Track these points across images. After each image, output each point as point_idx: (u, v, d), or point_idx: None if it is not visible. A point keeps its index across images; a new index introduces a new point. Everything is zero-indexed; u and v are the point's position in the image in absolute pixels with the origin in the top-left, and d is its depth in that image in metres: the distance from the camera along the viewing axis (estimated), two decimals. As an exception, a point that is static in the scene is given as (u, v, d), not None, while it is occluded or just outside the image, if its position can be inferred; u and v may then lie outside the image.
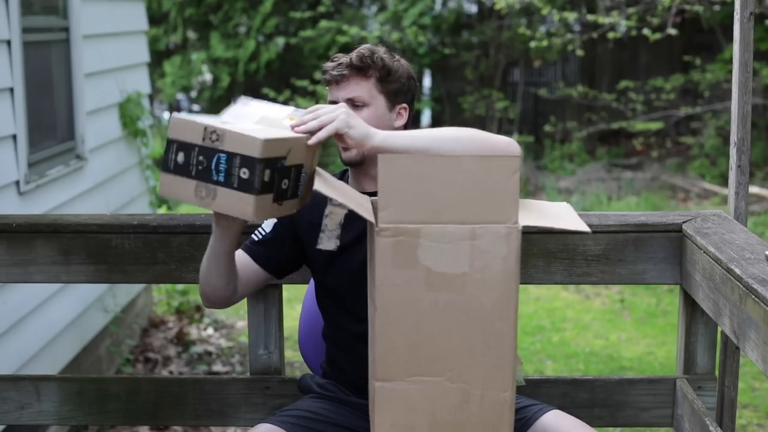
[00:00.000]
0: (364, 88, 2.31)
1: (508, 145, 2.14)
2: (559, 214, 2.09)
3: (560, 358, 5.74)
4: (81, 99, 5.18)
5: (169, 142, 1.99)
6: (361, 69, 2.30)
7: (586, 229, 1.99)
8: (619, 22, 9.11)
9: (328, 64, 2.34)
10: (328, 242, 2.17)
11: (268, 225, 2.40)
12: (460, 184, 1.92)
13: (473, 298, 1.94)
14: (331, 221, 2.21)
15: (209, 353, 5.81)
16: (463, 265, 1.93)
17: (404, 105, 2.37)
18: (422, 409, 1.97)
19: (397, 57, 2.38)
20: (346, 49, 12.13)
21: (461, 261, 1.93)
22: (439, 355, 1.96)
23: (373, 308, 1.97)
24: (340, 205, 2.04)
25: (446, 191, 1.92)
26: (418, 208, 1.92)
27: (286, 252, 2.38)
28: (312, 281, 2.65)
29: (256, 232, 2.41)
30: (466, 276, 1.93)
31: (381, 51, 2.34)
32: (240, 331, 6.24)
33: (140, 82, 6.34)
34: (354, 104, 2.31)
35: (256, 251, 2.38)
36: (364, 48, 2.33)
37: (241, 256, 2.37)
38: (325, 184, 2.05)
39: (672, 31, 8.64)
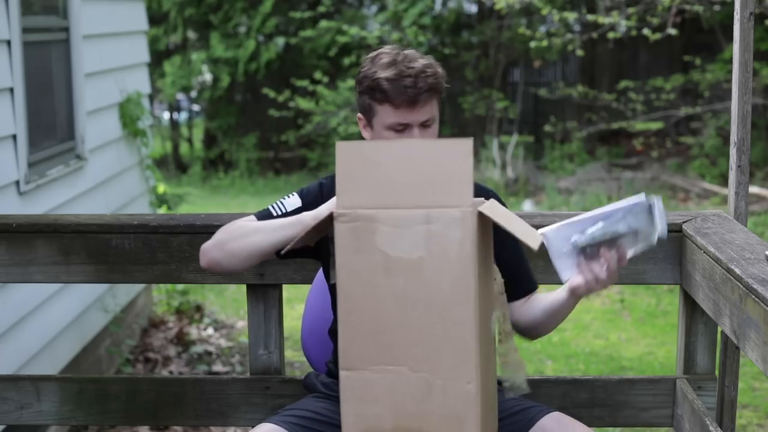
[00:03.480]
0: (434, 108, 2.26)
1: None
2: (519, 224, 2.01)
3: (560, 358, 5.74)
4: (81, 99, 5.18)
5: None
6: (436, 90, 2.24)
7: (535, 245, 1.93)
8: (619, 22, 9.11)
9: (396, 85, 2.20)
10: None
11: (290, 205, 2.32)
12: (414, 168, 1.92)
13: (431, 283, 1.91)
14: None
15: (209, 353, 5.81)
16: (419, 249, 1.91)
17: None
18: (386, 400, 1.96)
19: (431, 57, 2.30)
20: (346, 49, 12.18)
21: (418, 245, 1.91)
22: (399, 342, 1.94)
23: (338, 295, 1.96)
24: None
25: (401, 176, 1.92)
26: (375, 193, 1.93)
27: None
28: (315, 280, 2.65)
29: (274, 206, 2.33)
30: (422, 261, 1.91)
31: (433, 61, 2.27)
32: (240, 331, 6.24)
33: (140, 82, 6.34)
34: (425, 125, 2.25)
35: None
36: (425, 65, 2.23)
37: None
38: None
39: (672, 31, 8.64)
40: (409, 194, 1.92)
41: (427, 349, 1.92)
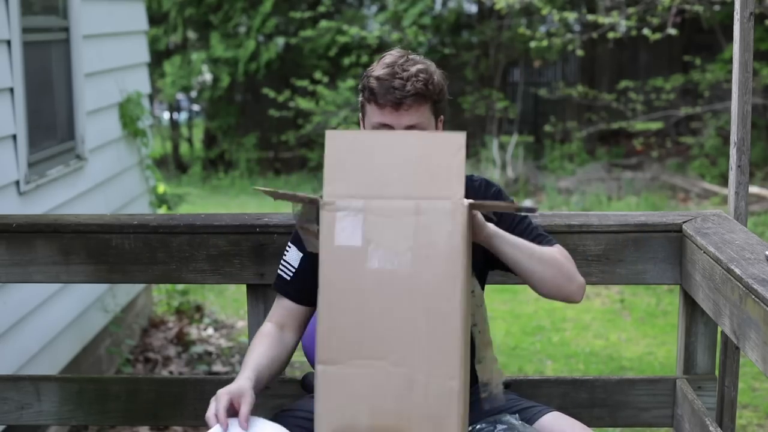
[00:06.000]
0: (423, 114, 2.19)
1: (580, 287, 2.22)
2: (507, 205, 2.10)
3: (560, 358, 5.74)
4: (81, 99, 5.18)
5: None
6: (424, 96, 2.18)
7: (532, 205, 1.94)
8: (619, 22, 9.12)
9: (384, 85, 2.16)
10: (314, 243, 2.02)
11: (293, 259, 2.31)
12: (405, 159, 1.91)
13: (416, 275, 1.88)
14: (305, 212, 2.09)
15: (209, 353, 5.81)
16: (407, 240, 1.89)
17: (441, 116, 2.29)
18: (363, 396, 1.89)
19: (433, 65, 2.25)
20: (346, 49, 12.18)
21: (406, 236, 1.89)
22: (382, 335, 1.89)
23: (320, 286, 1.93)
24: (293, 197, 1.98)
25: (391, 166, 1.92)
26: (364, 183, 1.91)
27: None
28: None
29: (282, 267, 2.32)
30: (410, 252, 1.89)
31: (432, 68, 2.22)
32: (240, 331, 6.24)
33: (140, 82, 6.34)
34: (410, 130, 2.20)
35: (292, 292, 2.30)
36: (420, 70, 2.18)
37: (282, 302, 2.31)
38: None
39: (672, 31, 8.64)
40: (399, 185, 1.90)
41: (409, 343, 1.88)
